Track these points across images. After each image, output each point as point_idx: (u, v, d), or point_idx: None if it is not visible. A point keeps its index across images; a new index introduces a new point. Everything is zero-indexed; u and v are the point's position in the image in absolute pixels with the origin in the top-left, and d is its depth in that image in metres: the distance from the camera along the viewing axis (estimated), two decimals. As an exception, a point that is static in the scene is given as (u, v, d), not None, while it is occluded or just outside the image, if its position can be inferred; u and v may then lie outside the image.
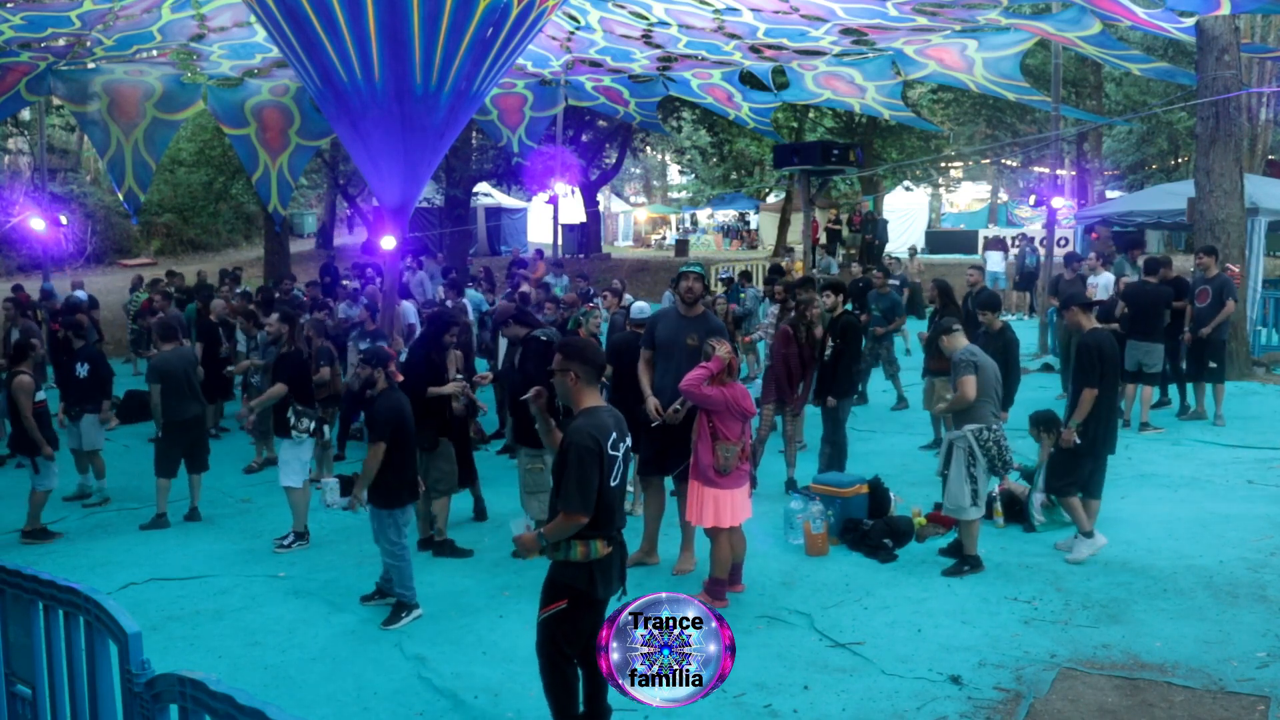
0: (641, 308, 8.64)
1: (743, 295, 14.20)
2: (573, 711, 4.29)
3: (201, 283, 16.76)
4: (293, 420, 7.66)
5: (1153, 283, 10.53)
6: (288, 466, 7.69)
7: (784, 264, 16.46)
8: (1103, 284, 11.80)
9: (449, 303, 11.91)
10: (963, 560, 6.60)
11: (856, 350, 8.66)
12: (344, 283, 15.28)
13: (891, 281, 15.45)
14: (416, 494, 6.38)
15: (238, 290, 14.85)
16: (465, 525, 7.95)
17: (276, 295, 13.30)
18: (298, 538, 7.64)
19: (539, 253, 20.70)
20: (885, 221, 29.83)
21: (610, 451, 4.16)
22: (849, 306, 9.25)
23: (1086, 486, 6.84)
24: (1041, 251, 18.44)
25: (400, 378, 6.40)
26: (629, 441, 4.37)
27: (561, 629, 4.20)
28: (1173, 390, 11.36)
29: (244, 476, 9.87)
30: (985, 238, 28.28)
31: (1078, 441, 6.68)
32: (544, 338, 7.38)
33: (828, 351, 8.37)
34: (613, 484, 4.19)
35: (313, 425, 7.76)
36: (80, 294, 15.35)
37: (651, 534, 6.92)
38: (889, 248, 29.33)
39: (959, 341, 6.82)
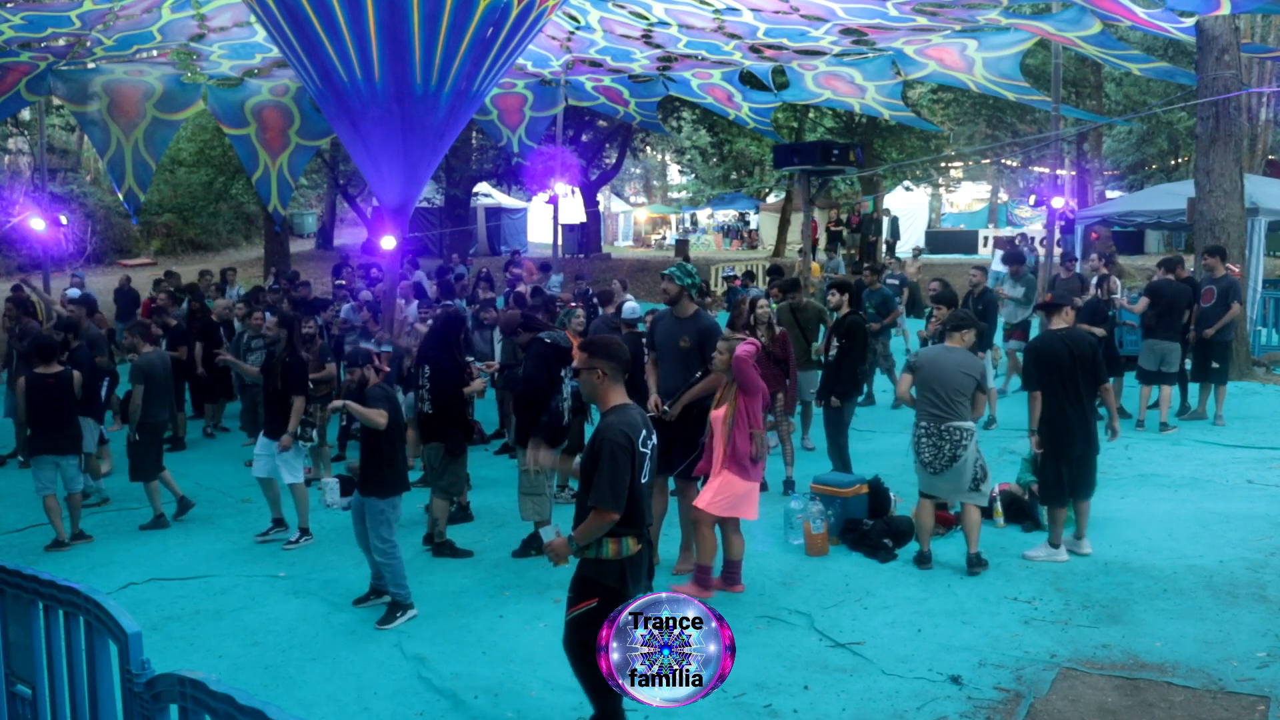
0: (633, 308, 8.64)
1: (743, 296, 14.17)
2: (615, 702, 4.25)
3: (195, 283, 16.74)
4: (300, 431, 7.71)
5: (1174, 280, 10.54)
6: (287, 465, 7.70)
7: (794, 265, 16.44)
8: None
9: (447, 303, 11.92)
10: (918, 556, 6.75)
11: (862, 352, 8.66)
12: (339, 282, 15.25)
13: (891, 281, 15.45)
14: (406, 486, 6.37)
15: (234, 291, 14.86)
16: (465, 525, 7.96)
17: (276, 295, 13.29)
18: (303, 534, 7.67)
19: (516, 252, 20.66)
20: (896, 219, 29.76)
21: (640, 449, 4.16)
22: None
23: (1073, 489, 6.81)
24: (1041, 251, 18.42)
25: (386, 369, 6.43)
26: (655, 439, 4.37)
27: (594, 627, 4.18)
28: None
29: (244, 476, 9.85)
30: (992, 237, 28.28)
31: (1038, 450, 6.78)
32: (547, 339, 7.41)
33: (832, 351, 8.35)
34: (643, 480, 4.19)
35: (314, 432, 7.81)
36: (74, 291, 15.33)
37: (653, 534, 6.92)
38: (899, 247, 29.31)
39: (961, 340, 6.86)
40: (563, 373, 7.40)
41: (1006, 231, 33.32)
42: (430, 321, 9.47)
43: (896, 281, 15.72)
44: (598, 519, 4.09)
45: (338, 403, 6.28)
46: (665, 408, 6.71)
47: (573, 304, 10.59)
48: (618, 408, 4.25)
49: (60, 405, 7.80)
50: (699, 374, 6.71)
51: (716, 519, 6.23)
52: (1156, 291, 10.56)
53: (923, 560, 6.68)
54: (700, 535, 6.24)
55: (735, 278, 16.21)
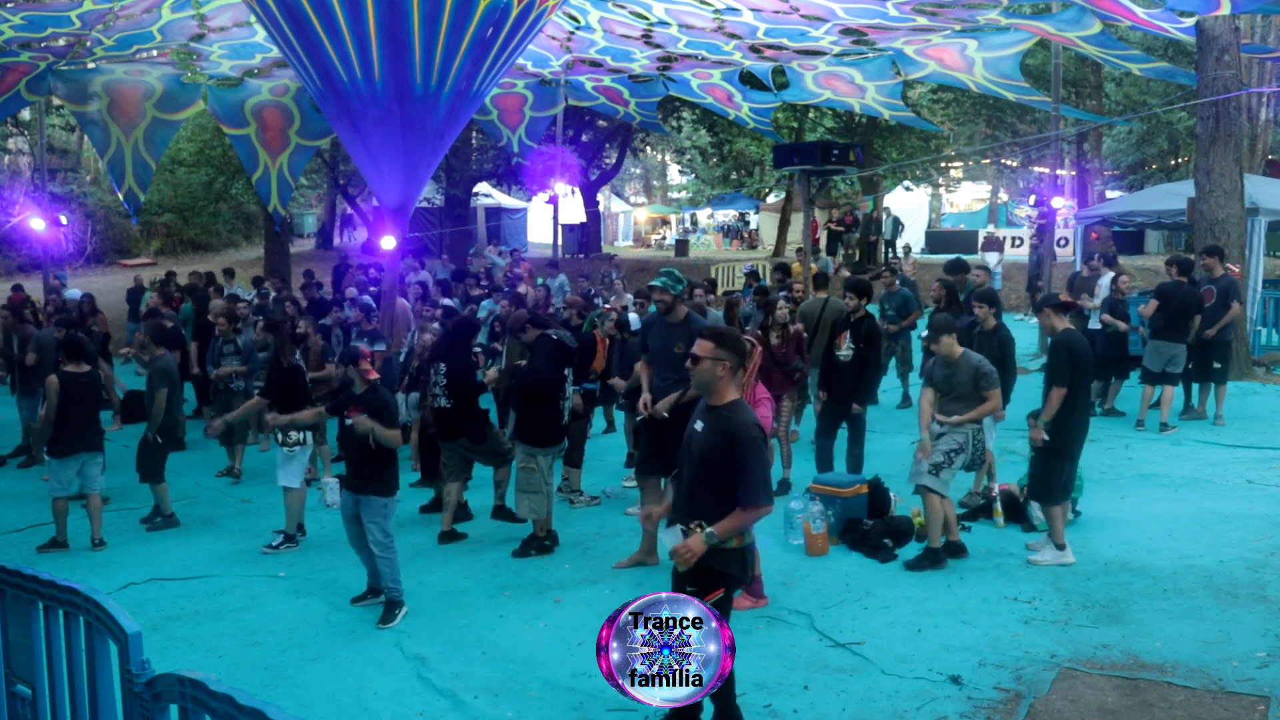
0: (636, 319, 8.68)
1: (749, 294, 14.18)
2: (731, 698, 4.39)
3: (195, 284, 16.75)
4: (280, 437, 7.58)
5: (1185, 283, 10.55)
6: (285, 466, 7.70)
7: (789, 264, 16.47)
8: (1105, 284, 11.79)
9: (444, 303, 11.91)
10: (922, 556, 6.67)
11: (879, 357, 8.71)
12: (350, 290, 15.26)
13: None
14: (396, 485, 6.33)
15: (227, 292, 14.83)
16: (465, 524, 7.96)
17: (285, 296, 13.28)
18: (286, 539, 7.64)
19: (515, 252, 20.67)
20: (896, 218, 29.72)
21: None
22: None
23: (1066, 489, 6.86)
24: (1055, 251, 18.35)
25: (375, 375, 6.40)
26: None
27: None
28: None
29: (245, 477, 9.85)
30: (984, 237, 28.22)
31: (1046, 439, 6.68)
32: (554, 336, 7.45)
33: (844, 352, 8.30)
34: None
35: (304, 436, 7.70)
36: (75, 292, 15.36)
37: (651, 534, 6.93)
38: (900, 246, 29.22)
39: (957, 348, 6.87)
40: (566, 372, 7.41)
41: (1008, 231, 33.30)
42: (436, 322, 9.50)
43: (896, 282, 15.70)
44: (747, 515, 4.16)
45: (365, 422, 6.16)
46: (663, 413, 6.72)
47: (607, 307, 10.53)
48: (739, 402, 4.33)
49: (93, 404, 7.88)
50: None
51: None
52: (1166, 294, 10.52)
53: (961, 549, 6.70)
54: None
55: (756, 275, 16.27)
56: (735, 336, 4.43)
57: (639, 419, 6.97)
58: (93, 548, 7.70)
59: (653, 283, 6.95)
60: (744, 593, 6.15)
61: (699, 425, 4.35)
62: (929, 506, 6.70)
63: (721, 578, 4.21)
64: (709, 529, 4.12)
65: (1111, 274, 11.91)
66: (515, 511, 7.49)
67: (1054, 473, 6.69)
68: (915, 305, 12.31)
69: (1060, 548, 6.66)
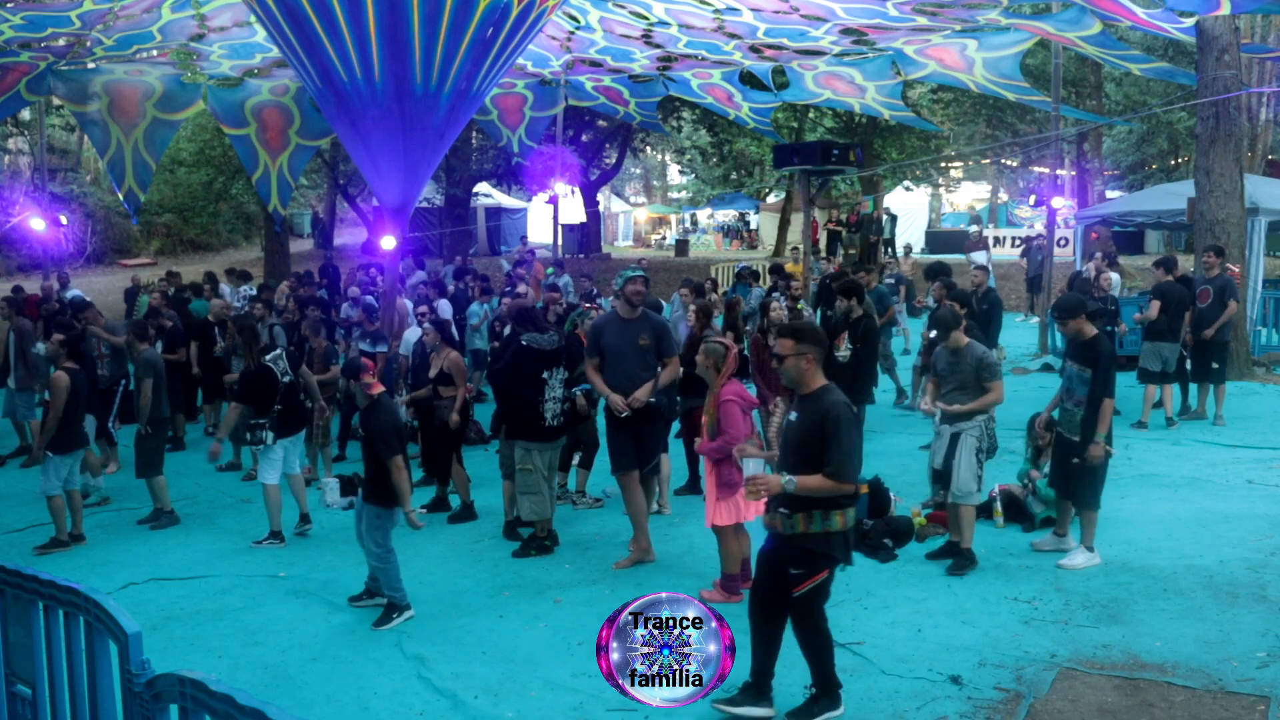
0: None
1: (749, 294, 14.17)
2: (834, 674, 4.61)
3: (194, 283, 16.70)
4: (249, 436, 7.73)
5: (1173, 281, 10.58)
6: (262, 464, 7.81)
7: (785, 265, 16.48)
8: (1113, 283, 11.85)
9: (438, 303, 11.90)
10: (961, 557, 6.60)
11: (875, 355, 8.75)
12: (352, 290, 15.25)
13: (888, 280, 15.49)
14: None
15: (247, 293, 14.80)
16: (467, 525, 7.96)
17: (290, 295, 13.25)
18: (270, 536, 7.66)
19: (532, 252, 20.68)
20: (894, 217, 29.70)
21: None
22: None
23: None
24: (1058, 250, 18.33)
25: (380, 387, 6.32)
26: None
27: (821, 596, 4.48)
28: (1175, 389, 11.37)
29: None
30: (971, 236, 28.14)
31: (1112, 453, 6.65)
32: (524, 341, 7.18)
33: (843, 353, 8.33)
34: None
35: (268, 436, 7.70)
36: (76, 292, 15.34)
37: (643, 530, 6.92)
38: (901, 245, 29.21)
39: (964, 338, 6.88)
40: (544, 375, 7.16)
41: (1006, 231, 33.30)
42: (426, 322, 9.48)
43: (893, 279, 15.75)
44: (830, 485, 4.36)
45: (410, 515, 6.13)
46: (651, 399, 6.79)
47: (586, 305, 10.53)
48: (826, 387, 4.49)
49: (86, 400, 8.04)
50: (658, 367, 6.85)
51: (729, 526, 6.18)
52: (1165, 295, 10.51)
53: (974, 559, 6.66)
54: (723, 542, 6.20)
55: (756, 275, 16.29)
56: (811, 328, 4.59)
57: (622, 415, 6.83)
58: (71, 541, 7.74)
59: (635, 274, 6.92)
60: (743, 589, 6.16)
61: (793, 416, 4.56)
62: (963, 512, 6.69)
63: (825, 560, 4.41)
64: (791, 478, 4.33)
65: (1114, 275, 11.96)
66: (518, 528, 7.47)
67: (1101, 478, 6.65)
68: (891, 302, 12.46)
69: (1091, 549, 6.63)
